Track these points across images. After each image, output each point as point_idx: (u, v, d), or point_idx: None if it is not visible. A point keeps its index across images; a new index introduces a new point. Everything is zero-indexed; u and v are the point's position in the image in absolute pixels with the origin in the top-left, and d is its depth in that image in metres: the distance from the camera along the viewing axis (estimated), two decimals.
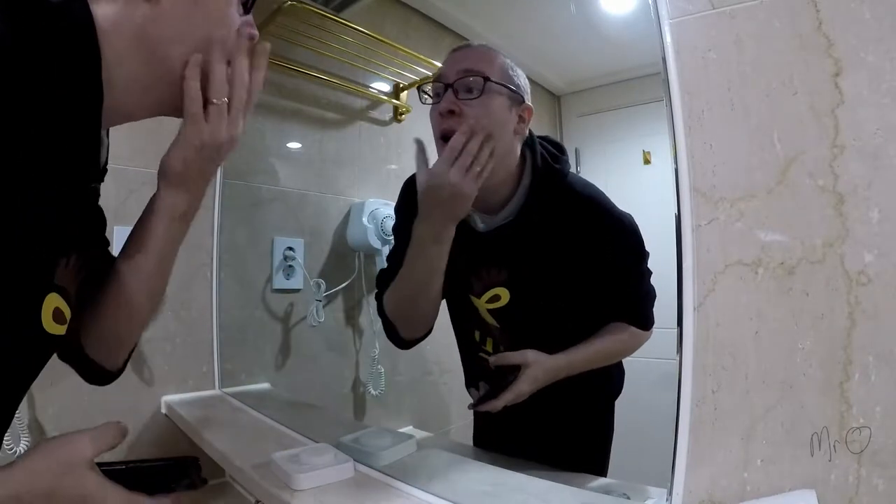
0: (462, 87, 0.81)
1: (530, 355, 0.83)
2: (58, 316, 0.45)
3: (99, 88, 0.42)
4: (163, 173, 0.53)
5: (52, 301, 0.45)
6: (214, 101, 0.49)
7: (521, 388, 0.82)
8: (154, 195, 0.54)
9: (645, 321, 0.88)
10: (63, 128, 0.41)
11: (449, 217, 0.78)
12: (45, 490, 0.40)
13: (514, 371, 0.83)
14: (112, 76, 0.43)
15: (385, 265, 0.99)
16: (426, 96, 0.87)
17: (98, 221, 0.55)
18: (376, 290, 0.96)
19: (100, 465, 0.44)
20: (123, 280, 0.53)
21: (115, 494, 0.43)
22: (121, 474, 0.45)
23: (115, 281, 0.53)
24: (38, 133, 0.38)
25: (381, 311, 0.94)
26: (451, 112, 0.80)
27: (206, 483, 0.52)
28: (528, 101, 0.86)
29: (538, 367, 0.82)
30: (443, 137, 0.81)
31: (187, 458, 0.52)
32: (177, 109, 0.50)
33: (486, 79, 0.80)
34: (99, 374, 0.57)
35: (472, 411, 1.07)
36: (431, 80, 0.87)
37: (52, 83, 0.39)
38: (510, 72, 0.84)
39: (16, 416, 0.56)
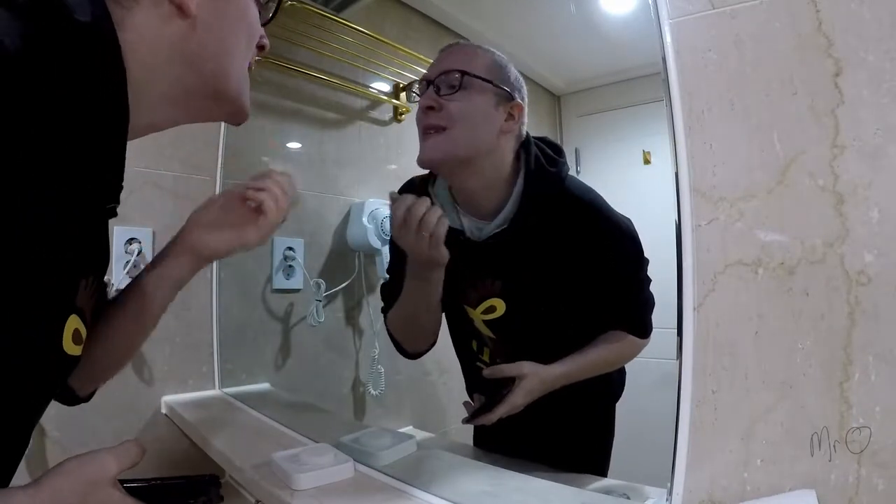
0: (443, 83, 0.81)
1: (526, 367, 0.82)
2: (76, 337, 0.46)
3: (125, 108, 0.42)
4: (200, 253, 0.58)
5: (73, 323, 0.45)
6: (281, 221, 0.58)
7: (516, 401, 0.81)
8: (169, 261, 0.57)
9: (644, 329, 0.87)
10: (88, 147, 0.41)
11: (426, 267, 0.80)
12: None
13: (508, 383, 0.82)
14: (141, 92, 0.43)
15: (385, 269, 1.00)
16: (414, 95, 0.87)
17: (107, 245, 0.55)
18: (382, 305, 0.99)
19: (121, 482, 0.45)
20: (124, 325, 0.55)
21: None
22: (142, 491, 0.47)
23: (115, 322, 0.55)
24: (63, 153, 0.38)
25: (385, 323, 0.97)
26: (431, 108, 0.80)
27: (221, 500, 0.54)
28: (520, 98, 0.84)
29: (534, 379, 0.82)
30: (422, 133, 0.81)
31: (207, 477, 0.54)
32: (200, 119, 0.52)
33: (464, 73, 0.80)
34: (68, 398, 0.58)
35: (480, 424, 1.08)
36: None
37: (76, 103, 0.38)
38: (497, 69, 0.83)
39: None
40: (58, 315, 0.43)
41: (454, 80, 0.80)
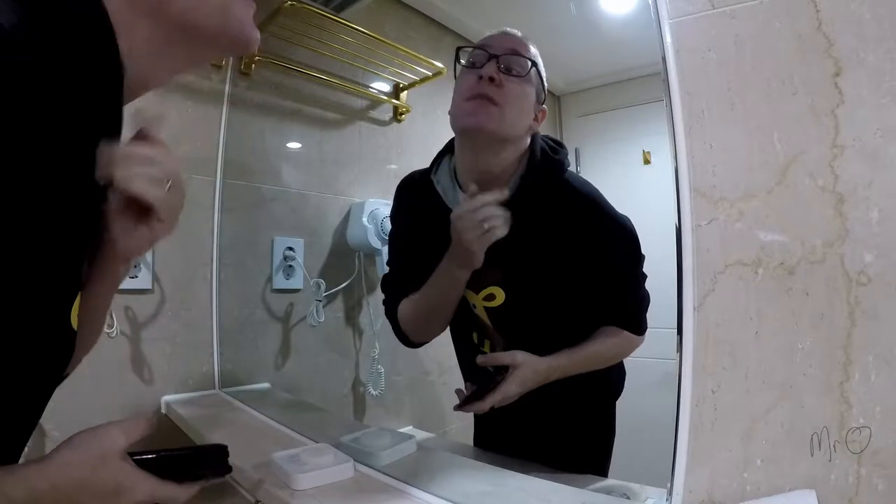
0: (507, 62, 0.82)
1: (519, 356, 0.82)
2: None
3: (119, 63, 0.42)
4: (128, 258, 0.54)
5: (80, 299, 0.45)
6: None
7: (509, 390, 0.80)
8: (106, 276, 0.54)
9: (638, 326, 0.87)
10: (86, 114, 0.40)
11: (465, 262, 0.82)
12: (80, 481, 0.41)
13: (502, 372, 0.81)
14: (123, 46, 0.43)
15: (386, 269, 1.01)
16: (462, 60, 0.87)
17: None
18: (384, 297, 0.99)
19: (131, 454, 0.46)
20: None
21: (145, 483, 0.46)
22: (151, 463, 0.47)
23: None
24: (62, 124, 0.38)
25: (389, 315, 0.97)
26: (492, 80, 0.80)
27: (230, 470, 0.54)
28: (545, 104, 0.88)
29: (527, 369, 0.81)
30: (472, 98, 0.81)
31: (215, 446, 0.53)
32: (190, 64, 0.50)
33: (534, 63, 0.83)
34: None
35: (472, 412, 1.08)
36: (473, 46, 0.87)
37: (70, 65, 0.38)
38: (542, 66, 0.86)
39: None
40: (70, 293, 0.44)
41: (522, 65, 0.82)
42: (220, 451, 0.53)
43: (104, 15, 0.41)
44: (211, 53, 0.51)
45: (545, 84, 0.87)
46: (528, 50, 0.85)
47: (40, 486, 0.39)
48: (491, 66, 0.81)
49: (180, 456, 0.51)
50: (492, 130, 0.81)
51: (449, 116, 0.86)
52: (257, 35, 0.50)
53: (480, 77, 0.80)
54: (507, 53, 0.82)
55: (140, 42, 0.44)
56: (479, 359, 0.85)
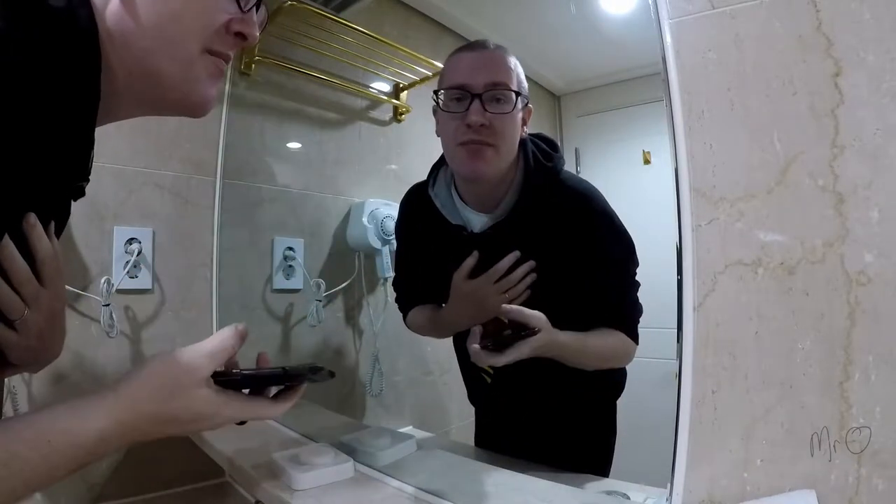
0: (492, 97, 0.80)
1: (544, 320, 0.77)
2: None
3: (97, 93, 0.42)
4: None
5: None
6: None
7: (522, 351, 0.75)
8: None
9: (635, 330, 0.85)
10: (60, 130, 0.41)
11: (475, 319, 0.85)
12: (150, 415, 0.40)
13: (521, 329, 0.76)
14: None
15: (385, 267, 1.04)
16: (441, 101, 0.85)
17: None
18: (398, 303, 1.07)
19: (214, 375, 0.43)
20: None
21: (228, 406, 0.43)
22: (236, 384, 0.44)
23: None
24: (37, 136, 0.38)
25: (400, 308, 1.07)
26: (482, 125, 0.79)
27: (334, 375, 0.48)
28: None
29: (545, 336, 0.76)
30: (466, 144, 0.81)
31: (309, 365, 0.48)
32: (156, 109, 0.49)
33: (518, 94, 0.81)
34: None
35: (472, 410, 1.08)
36: (447, 85, 0.84)
37: (53, 88, 0.39)
38: (522, 76, 0.85)
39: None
40: None
41: (508, 99, 0.81)
42: (314, 368, 0.48)
43: (96, 45, 0.42)
44: (161, 103, 0.49)
45: (526, 87, 0.85)
46: (507, 73, 0.82)
47: (106, 426, 0.38)
48: (476, 108, 0.79)
49: (270, 376, 0.47)
50: (492, 175, 0.83)
51: (444, 154, 0.88)
52: (211, 98, 0.49)
53: (469, 125, 0.79)
54: (490, 89, 0.80)
55: (111, 72, 0.43)
56: (505, 307, 0.80)
